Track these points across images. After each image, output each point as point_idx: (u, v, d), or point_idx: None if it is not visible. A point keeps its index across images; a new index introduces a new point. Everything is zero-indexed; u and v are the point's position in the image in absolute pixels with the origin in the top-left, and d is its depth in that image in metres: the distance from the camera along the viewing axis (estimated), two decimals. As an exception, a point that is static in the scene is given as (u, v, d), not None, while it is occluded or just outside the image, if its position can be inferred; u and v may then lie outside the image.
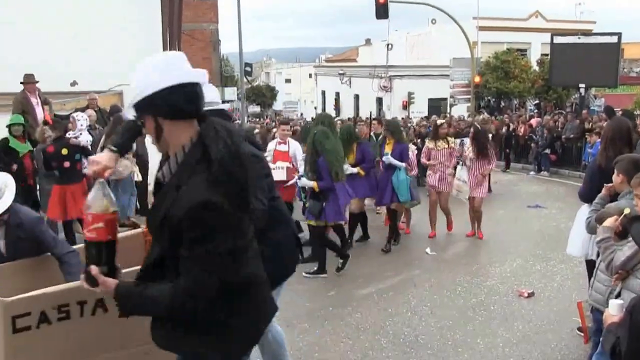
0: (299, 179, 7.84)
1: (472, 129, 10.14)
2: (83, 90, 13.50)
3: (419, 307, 6.48)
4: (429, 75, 38.64)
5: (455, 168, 9.98)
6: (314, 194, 7.47)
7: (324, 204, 7.42)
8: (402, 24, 53.94)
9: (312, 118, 21.53)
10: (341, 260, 7.82)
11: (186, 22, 32.00)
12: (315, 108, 57.16)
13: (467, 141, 10.21)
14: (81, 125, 9.55)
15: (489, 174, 14.09)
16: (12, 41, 14.79)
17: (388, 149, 8.98)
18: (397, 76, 40.84)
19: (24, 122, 8.96)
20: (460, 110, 31.44)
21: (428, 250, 8.87)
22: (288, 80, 79.05)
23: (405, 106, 38.64)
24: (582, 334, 5.32)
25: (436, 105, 36.67)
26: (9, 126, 8.66)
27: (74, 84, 15.46)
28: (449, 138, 9.92)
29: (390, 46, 42.20)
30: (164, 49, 19.42)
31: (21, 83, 10.33)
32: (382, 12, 24.09)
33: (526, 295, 6.80)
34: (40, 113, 10.36)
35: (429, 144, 9.95)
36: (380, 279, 7.53)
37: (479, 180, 9.50)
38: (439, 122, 10.52)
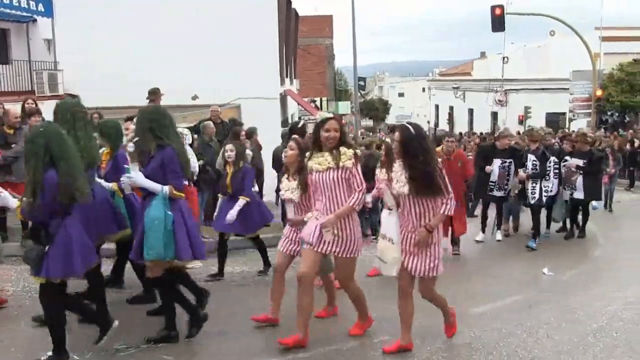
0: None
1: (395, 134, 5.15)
2: (203, 103, 14.04)
3: (535, 329, 6.22)
4: (547, 89, 37.57)
5: None
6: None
7: (46, 248, 4.53)
8: (519, 37, 52.69)
9: None
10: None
11: (302, 36, 33.00)
12: (429, 122, 56.85)
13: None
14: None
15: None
16: (138, 59, 15.92)
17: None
18: (513, 90, 39.96)
19: None
20: (580, 126, 30.24)
21: (545, 270, 8.47)
22: (401, 94, 79.32)
23: (522, 121, 37.66)
24: None
25: (554, 120, 35.52)
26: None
27: (195, 97, 16.40)
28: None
29: (506, 59, 41.39)
30: (280, 64, 20.12)
31: (147, 98, 10.63)
32: (498, 24, 23.77)
33: (653, 323, 6.39)
34: None
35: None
36: (495, 298, 7.28)
37: (422, 238, 4.96)
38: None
